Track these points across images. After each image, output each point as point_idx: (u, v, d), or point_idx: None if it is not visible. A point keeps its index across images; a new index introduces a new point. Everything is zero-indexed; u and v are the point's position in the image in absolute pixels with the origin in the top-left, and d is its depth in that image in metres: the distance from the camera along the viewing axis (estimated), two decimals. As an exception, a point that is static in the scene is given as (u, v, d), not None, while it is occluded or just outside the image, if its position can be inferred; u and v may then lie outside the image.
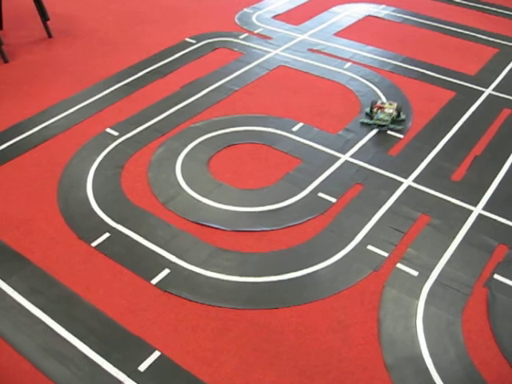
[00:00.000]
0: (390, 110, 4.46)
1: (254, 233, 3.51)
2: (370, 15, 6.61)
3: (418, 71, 5.38)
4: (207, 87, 5.01)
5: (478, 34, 6.25)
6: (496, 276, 3.27)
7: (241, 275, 3.21)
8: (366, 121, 4.48)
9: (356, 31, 6.19)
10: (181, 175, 3.94)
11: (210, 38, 5.93)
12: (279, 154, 4.16)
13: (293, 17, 6.52)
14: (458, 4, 7.03)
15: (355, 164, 4.08)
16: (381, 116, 4.39)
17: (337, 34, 6.07)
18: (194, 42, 5.83)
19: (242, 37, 5.97)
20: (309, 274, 3.24)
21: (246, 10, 6.67)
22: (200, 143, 4.27)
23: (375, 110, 4.48)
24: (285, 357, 2.78)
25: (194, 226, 3.53)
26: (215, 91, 4.95)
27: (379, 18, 6.55)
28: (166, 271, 3.20)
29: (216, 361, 2.73)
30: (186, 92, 4.94)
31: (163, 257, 3.28)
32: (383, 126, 4.38)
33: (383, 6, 6.85)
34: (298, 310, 3.04)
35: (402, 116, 4.54)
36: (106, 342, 2.80)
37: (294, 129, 4.42)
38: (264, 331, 2.90)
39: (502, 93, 5.14)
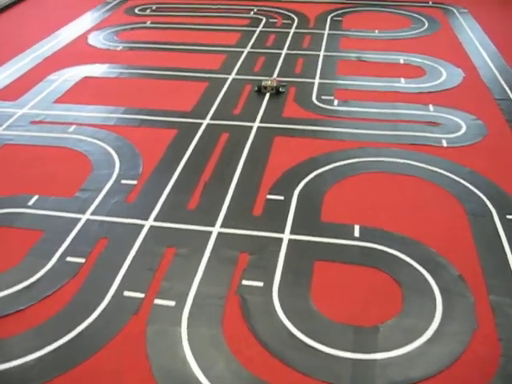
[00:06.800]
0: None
1: (11, 316, 3.44)
2: (86, 76, 6.80)
3: (139, 119, 5.69)
4: None
5: (188, 72, 6.82)
6: (244, 282, 3.64)
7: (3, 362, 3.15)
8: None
9: (75, 94, 6.32)
10: None
11: None
12: (18, 232, 4.10)
13: (10, 93, 6.42)
14: (163, 49, 7.58)
15: (97, 220, 4.19)
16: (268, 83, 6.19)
17: (57, 101, 6.13)
18: None
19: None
20: (75, 337, 3.27)
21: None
22: None
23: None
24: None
25: None
26: None
27: (95, 78, 6.78)
28: None
29: None
30: None
31: None
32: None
33: (97, 65, 7.09)
34: (70, 376, 3.05)
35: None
36: None
37: (30, 203, 4.39)
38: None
39: (218, 120, 5.68)
